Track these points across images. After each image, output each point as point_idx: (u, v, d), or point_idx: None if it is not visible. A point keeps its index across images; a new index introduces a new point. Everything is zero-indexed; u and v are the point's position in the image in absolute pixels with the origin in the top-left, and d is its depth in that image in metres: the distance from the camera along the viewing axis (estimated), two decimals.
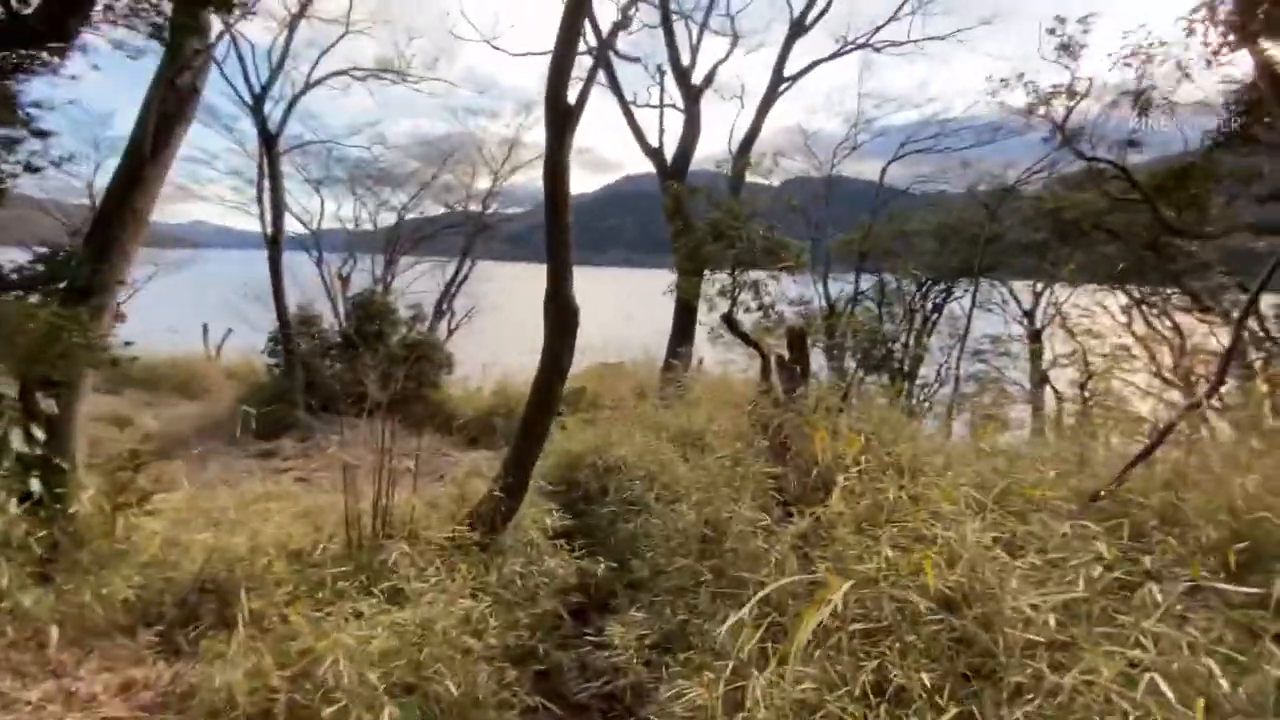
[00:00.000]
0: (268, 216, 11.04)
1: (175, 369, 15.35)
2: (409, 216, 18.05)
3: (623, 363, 12.21)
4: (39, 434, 3.16)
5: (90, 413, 11.06)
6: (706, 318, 6.75)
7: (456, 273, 17.75)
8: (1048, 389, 14.85)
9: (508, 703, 3.09)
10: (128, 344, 4.09)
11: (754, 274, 6.25)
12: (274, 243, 10.78)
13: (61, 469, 3.48)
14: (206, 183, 17.46)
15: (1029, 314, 15.31)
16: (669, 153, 11.31)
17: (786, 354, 4.89)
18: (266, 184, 10.91)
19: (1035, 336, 15.08)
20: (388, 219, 17.90)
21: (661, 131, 11.64)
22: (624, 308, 19.85)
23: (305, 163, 16.36)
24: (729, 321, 6.32)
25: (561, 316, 4.41)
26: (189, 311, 18.45)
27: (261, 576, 3.72)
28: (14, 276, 3.51)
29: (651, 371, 10.88)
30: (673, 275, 8.84)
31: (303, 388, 11.22)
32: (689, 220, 6.92)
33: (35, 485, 3.22)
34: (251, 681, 2.48)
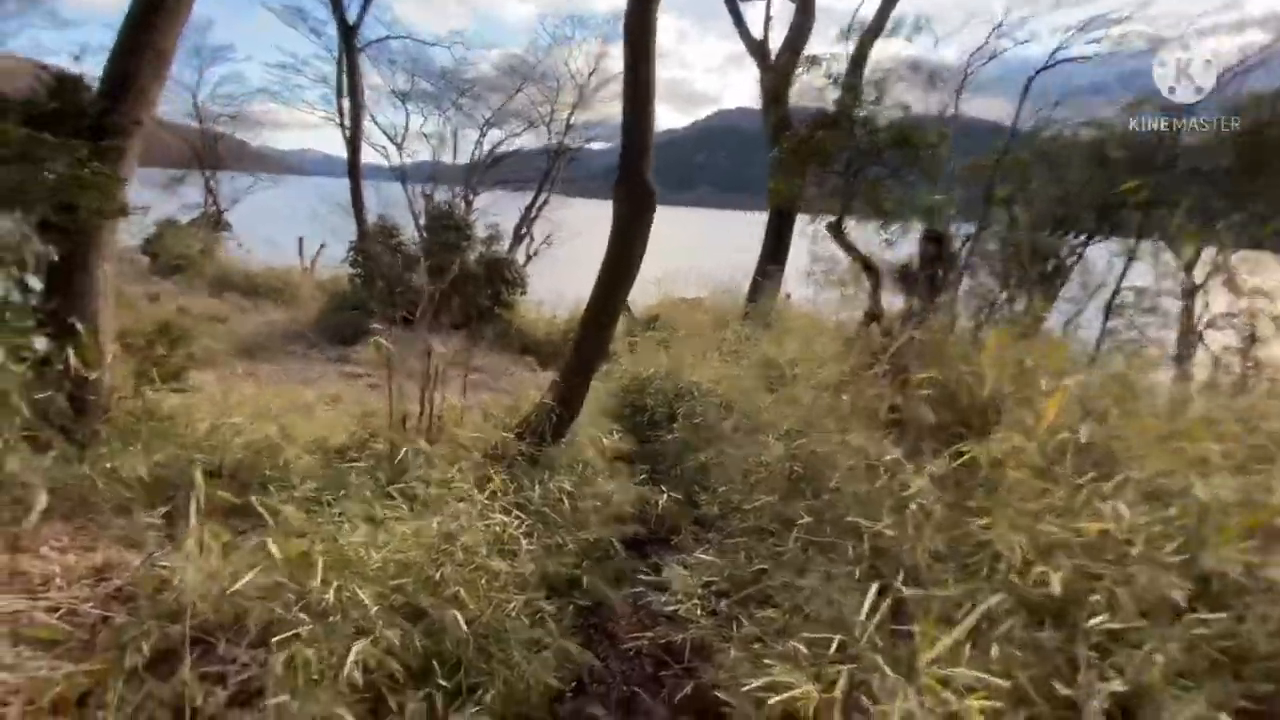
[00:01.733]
0: (348, 120, 10.72)
1: (271, 278, 16.00)
2: (492, 138, 17.51)
3: (701, 298, 11.46)
4: (34, 283, 2.77)
5: (190, 309, 11.57)
6: (809, 229, 5.69)
7: (535, 197, 17.25)
8: (1199, 352, 12.70)
9: (539, 642, 2.52)
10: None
11: (874, 172, 5.12)
12: (352, 142, 10.47)
13: (75, 330, 3.14)
14: (296, 90, 17.48)
15: (1188, 265, 12.97)
16: (774, 48, 9.83)
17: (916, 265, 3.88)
18: (345, 81, 10.52)
19: (1192, 292, 12.82)
20: (471, 137, 17.45)
21: (768, 19, 10.11)
22: (707, 245, 18.78)
23: (392, 73, 16.03)
24: (835, 231, 5.26)
25: (634, 196, 3.60)
26: (289, 227, 19.14)
27: (284, 468, 3.32)
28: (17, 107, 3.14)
29: (734, 304, 10.04)
30: (762, 216, 7.65)
31: (381, 296, 11.20)
32: (788, 115, 5.74)
33: (40, 344, 2.86)
34: (217, 584, 2.00)
